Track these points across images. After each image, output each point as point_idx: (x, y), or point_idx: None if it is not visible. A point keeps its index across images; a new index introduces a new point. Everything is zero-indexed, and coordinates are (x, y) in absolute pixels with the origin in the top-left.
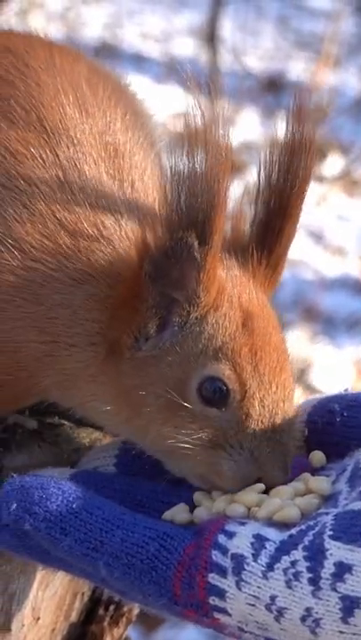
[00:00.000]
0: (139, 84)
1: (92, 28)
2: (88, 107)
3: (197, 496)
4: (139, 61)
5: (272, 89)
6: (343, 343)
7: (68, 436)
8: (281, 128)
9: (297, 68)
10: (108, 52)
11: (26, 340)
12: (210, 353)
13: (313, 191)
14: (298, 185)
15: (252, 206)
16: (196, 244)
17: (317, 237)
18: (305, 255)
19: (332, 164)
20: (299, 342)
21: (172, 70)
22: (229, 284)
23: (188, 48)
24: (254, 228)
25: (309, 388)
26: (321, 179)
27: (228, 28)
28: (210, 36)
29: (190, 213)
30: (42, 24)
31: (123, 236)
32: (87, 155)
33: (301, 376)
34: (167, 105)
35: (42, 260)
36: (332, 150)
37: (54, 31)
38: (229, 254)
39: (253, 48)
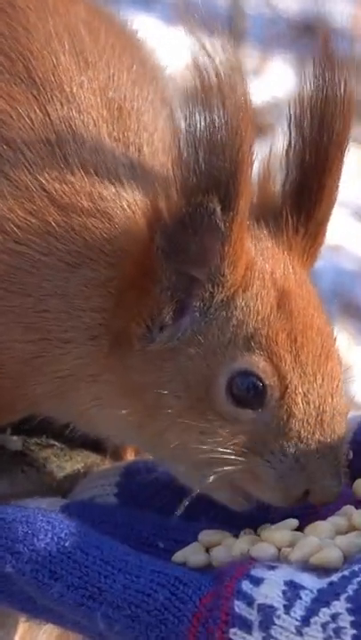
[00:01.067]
0: (144, 27)
1: None
2: (87, 56)
3: (208, 536)
4: (145, 0)
5: (306, 35)
6: None
7: (59, 459)
8: (312, 74)
9: (336, 11)
10: None
11: (8, 339)
12: (240, 342)
13: (354, 159)
14: (336, 136)
15: (283, 163)
16: (218, 209)
17: (360, 217)
18: (345, 239)
19: None
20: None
21: (184, 11)
22: (260, 258)
23: None
24: (287, 189)
25: (350, 402)
26: None
27: None
28: None
29: (210, 174)
30: None
31: (124, 207)
32: (85, 114)
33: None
34: (178, 52)
35: (28, 243)
36: None
37: None
38: (258, 222)
39: None
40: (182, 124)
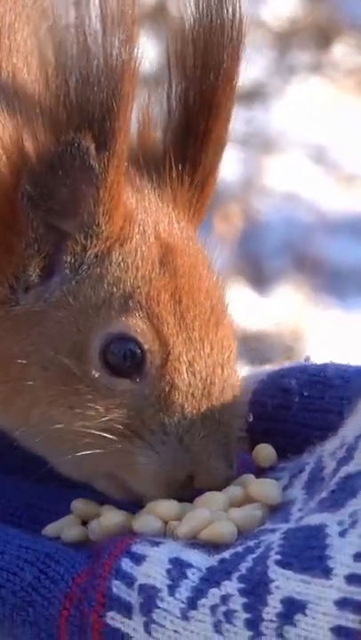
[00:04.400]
0: None
1: None
2: None
3: (85, 505)
4: None
5: None
6: (352, 306)
7: None
8: None
9: None
10: None
11: None
12: (116, 303)
13: (313, 93)
14: (223, 71)
15: (163, 105)
16: (92, 148)
17: (318, 159)
18: (300, 185)
19: (342, 54)
20: (290, 305)
21: None
22: (141, 209)
23: None
24: (169, 135)
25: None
26: (323, 74)
27: None
28: None
29: (83, 108)
30: None
31: None
32: None
33: (292, 353)
34: None
35: None
36: (340, 34)
37: None
38: (140, 173)
39: None
40: (53, 48)
